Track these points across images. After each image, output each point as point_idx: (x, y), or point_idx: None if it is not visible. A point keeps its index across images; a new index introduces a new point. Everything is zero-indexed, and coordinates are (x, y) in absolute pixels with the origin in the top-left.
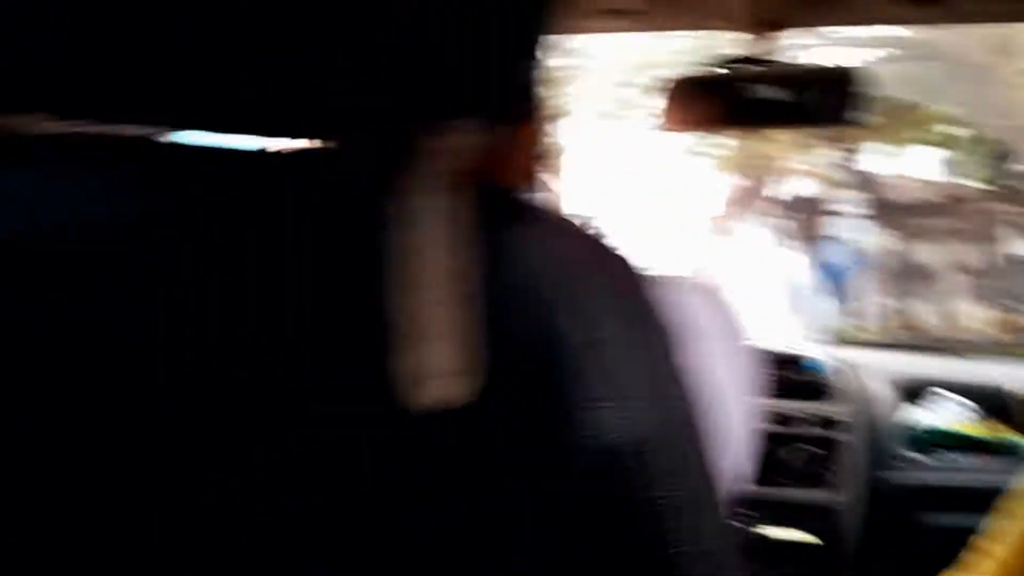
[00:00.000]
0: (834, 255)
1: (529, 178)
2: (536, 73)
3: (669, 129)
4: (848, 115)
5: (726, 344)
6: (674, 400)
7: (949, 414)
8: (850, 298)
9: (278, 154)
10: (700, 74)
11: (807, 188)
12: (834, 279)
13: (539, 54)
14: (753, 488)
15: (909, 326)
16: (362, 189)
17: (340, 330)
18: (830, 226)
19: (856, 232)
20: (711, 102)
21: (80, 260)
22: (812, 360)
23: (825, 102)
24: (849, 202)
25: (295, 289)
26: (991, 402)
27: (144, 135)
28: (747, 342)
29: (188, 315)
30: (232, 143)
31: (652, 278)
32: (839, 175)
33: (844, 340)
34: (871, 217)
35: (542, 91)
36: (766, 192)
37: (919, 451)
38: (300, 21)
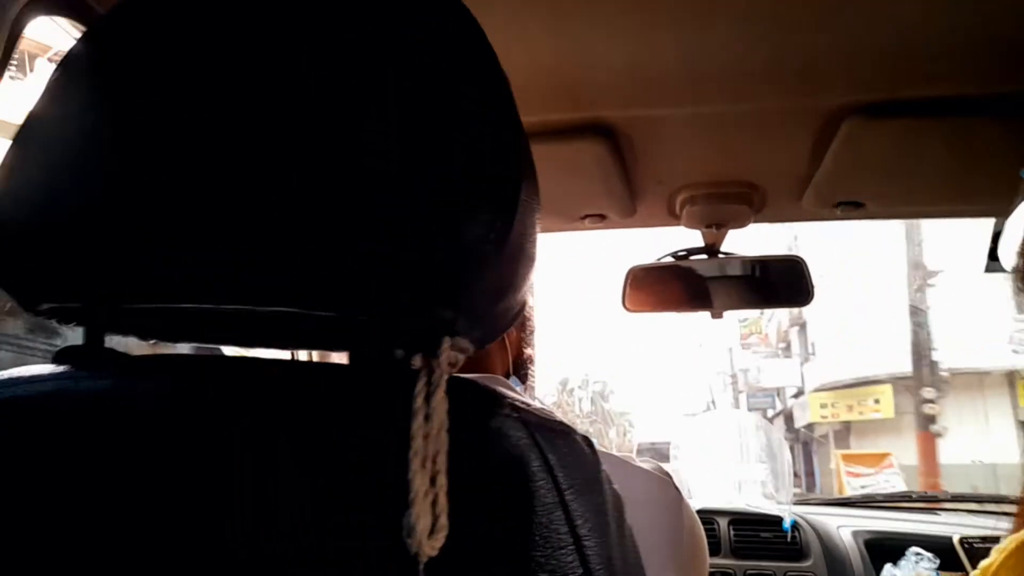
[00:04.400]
0: None
1: (514, 367)
2: (519, 299)
3: (629, 310)
4: (801, 295)
5: (664, 514)
6: (618, 548)
7: (915, 569)
8: None
9: (316, 364)
10: (654, 263)
11: None
12: None
13: (520, 290)
14: None
15: None
16: (382, 394)
17: (368, 493)
18: None
19: None
20: (668, 286)
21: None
22: (784, 520)
23: (781, 284)
24: None
25: (336, 460)
26: (949, 554)
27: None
28: (687, 513)
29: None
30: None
31: (608, 455)
32: None
33: (807, 499)
34: None
35: (524, 306)
36: None
37: None
38: (331, 286)
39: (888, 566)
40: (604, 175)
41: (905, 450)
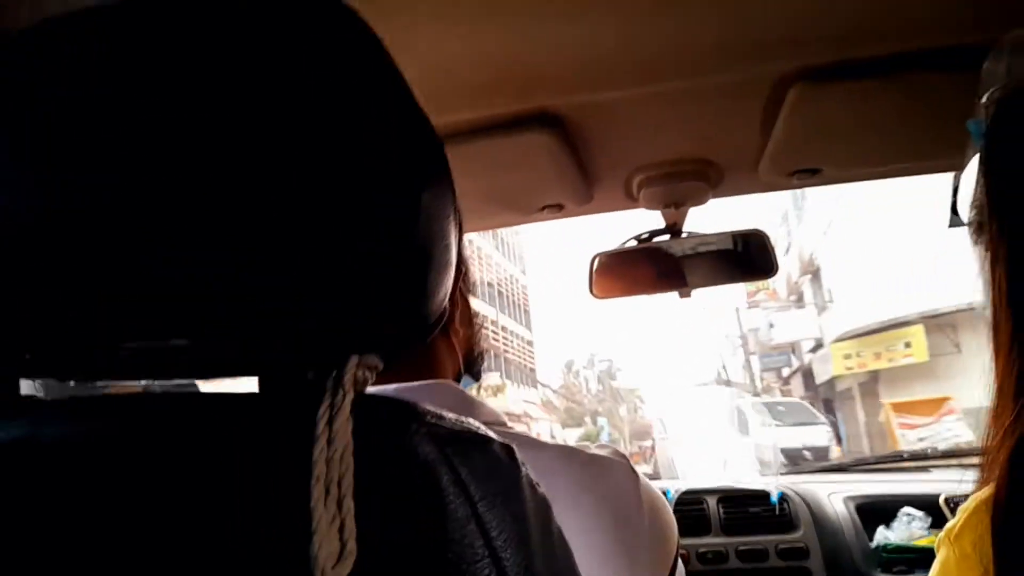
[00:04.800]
0: None
1: (467, 366)
2: (433, 308)
3: (598, 297)
4: (766, 268)
5: (620, 499)
6: (541, 556)
7: (907, 529)
8: None
9: (221, 395)
10: (618, 247)
11: None
12: None
13: (434, 298)
14: None
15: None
16: (288, 416)
17: (275, 521)
18: None
19: None
20: (634, 270)
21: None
22: (771, 492)
23: (746, 258)
24: None
25: (241, 492)
26: (942, 512)
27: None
28: (646, 494)
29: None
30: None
31: (558, 448)
32: None
33: (796, 468)
34: None
35: (444, 314)
36: None
37: (885, 570)
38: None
39: (881, 528)
40: (557, 165)
41: (949, 395)
